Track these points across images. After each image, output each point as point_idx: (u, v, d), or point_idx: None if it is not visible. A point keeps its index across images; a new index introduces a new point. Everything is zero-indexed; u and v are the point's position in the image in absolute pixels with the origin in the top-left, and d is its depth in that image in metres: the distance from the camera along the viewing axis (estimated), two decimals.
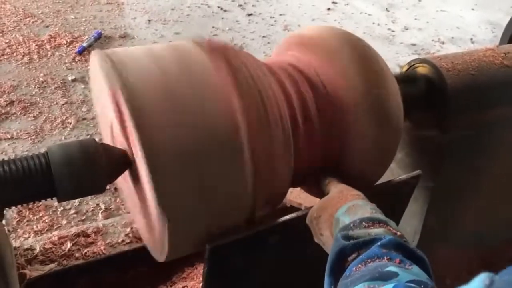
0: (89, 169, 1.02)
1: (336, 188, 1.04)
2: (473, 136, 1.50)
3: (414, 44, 4.01)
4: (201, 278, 1.65)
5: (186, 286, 1.66)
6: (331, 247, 0.90)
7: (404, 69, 1.53)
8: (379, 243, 0.75)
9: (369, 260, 0.73)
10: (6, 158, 1.03)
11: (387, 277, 0.67)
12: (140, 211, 1.15)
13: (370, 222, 0.84)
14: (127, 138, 1.05)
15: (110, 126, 1.15)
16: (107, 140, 1.21)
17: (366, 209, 0.90)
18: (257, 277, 1.13)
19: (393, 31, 4.20)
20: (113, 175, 1.08)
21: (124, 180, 1.18)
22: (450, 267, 1.77)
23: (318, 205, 1.00)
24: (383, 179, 1.29)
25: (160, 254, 1.05)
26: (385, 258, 0.72)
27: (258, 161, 1.00)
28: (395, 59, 3.77)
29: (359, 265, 0.73)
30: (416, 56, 1.88)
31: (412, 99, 1.39)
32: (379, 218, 0.86)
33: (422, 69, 1.47)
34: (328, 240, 0.94)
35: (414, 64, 1.50)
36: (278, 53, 1.32)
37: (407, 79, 1.48)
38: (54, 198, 1.04)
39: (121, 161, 1.07)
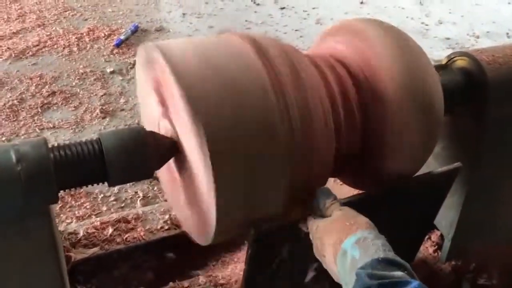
0: (139, 155, 1.07)
1: (340, 212, 1.00)
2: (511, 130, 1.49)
3: (448, 38, 3.96)
4: (238, 265, 1.70)
5: (223, 272, 1.70)
6: (336, 275, 0.91)
7: (444, 62, 1.53)
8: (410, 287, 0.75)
9: None
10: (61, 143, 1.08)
11: None
12: (182, 197, 1.19)
13: (387, 263, 0.82)
14: (174, 127, 1.09)
15: (157, 118, 1.19)
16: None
17: (377, 245, 0.87)
18: (299, 264, 1.16)
19: (426, 25, 4.15)
20: (161, 161, 1.13)
21: (166, 169, 1.22)
22: (485, 261, 1.77)
23: (323, 225, 0.98)
24: (421, 172, 1.31)
25: (205, 236, 1.09)
26: None
27: (296, 155, 1.03)
28: (429, 53, 3.70)
29: None
30: (450, 51, 1.87)
31: (451, 92, 1.39)
32: (396, 260, 0.84)
33: (461, 62, 1.46)
34: (330, 265, 0.94)
35: (453, 57, 1.50)
36: (319, 44, 1.34)
37: (447, 72, 1.48)
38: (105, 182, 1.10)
39: (168, 148, 1.12)
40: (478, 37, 4.00)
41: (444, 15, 4.32)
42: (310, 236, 1.01)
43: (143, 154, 1.07)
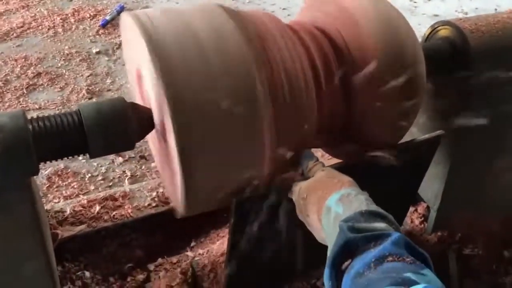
0: (119, 126, 1.06)
1: (324, 172, 1.01)
2: (496, 98, 1.49)
3: (436, 15, 3.94)
4: (225, 240, 1.71)
5: (211, 247, 1.70)
6: (320, 233, 0.92)
7: (427, 32, 1.52)
8: (391, 240, 0.75)
9: (382, 259, 0.72)
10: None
11: (409, 285, 0.66)
12: (165, 167, 1.19)
13: (369, 215, 0.83)
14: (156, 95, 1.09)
15: (139, 81, 1.18)
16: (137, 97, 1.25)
17: (360, 200, 0.89)
18: (283, 231, 1.16)
19: (415, 2, 4.13)
20: (142, 132, 1.12)
21: (154, 140, 1.22)
22: (470, 231, 1.78)
23: (306, 185, 0.99)
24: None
25: (180, 207, 1.09)
26: (399, 257, 0.72)
27: (279, 125, 1.03)
28: (417, 30, 3.67)
29: (372, 264, 0.72)
30: None
31: (435, 62, 1.39)
32: (378, 211, 0.85)
33: (445, 31, 1.46)
34: (314, 223, 0.94)
35: (437, 27, 1.49)
36: (302, 14, 1.33)
37: (430, 41, 1.48)
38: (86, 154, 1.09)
39: (149, 119, 1.11)
40: (466, 13, 4.00)
41: None
42: (293, 198, 1.01)
43: (123, 125, 1.06)
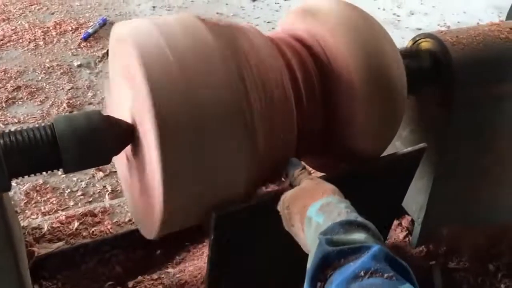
0: (94, 140, 1.03)
1: (308, 180, 1.00)
2: (478, 111, 1.49)
3: (419, 29, 3.98)
4: (205, 256, 1.67)
5: (194, 263, 1.67)
6: (304, 244, 0.89)
7: (409, 44, 1.52)
8: (370, 254, 0.72)
9: (362, 274, 0.70)
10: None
11: None
12: (135, 185, 1.16)
13: (349, 225, 0.80)
14: (136, 111, 1.06)
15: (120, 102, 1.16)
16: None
17: (340, 208, 0.86)
18: (262, 245, 1.14)
19: (398, 15, 4.17)
20: (118, 146, 1.09)
21: (123, 156, 1.18)
22: (455, 244, 1.77)
23: (290, 195, 0.97)
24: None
25: (152, 228, 1.05)
26: (379, 273, 0.69)
27: (259, 135, 1.01)
28: (401, 44, 3.70)
29: (351, 279, 0.70)
30: None
31: (416, 74, 1.39)
32: (358, 221, 0.82)
33: (426, 44, 1.46)
34: (298, 232, 0.92)
35: (418, 40, 1.49)
36: (283, 26, 1.32)
37: (412, 54, 1.47)
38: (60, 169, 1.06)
39: (126, 133, 1.08)
40: (449, 27, 4.04)
41: (415, 6, 4.36)
42: (278, 208, 0.99)
43: (98, 139, 1.03)
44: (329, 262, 0.74)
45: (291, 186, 1.03)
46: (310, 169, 1.48)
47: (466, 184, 1.66)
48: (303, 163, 1.09)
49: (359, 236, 0.78)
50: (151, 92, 0.91)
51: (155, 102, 0.91)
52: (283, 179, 1.08)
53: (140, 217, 1.18)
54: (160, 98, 0.91)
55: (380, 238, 0.80)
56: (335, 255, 0.74)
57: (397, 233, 1.82)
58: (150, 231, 1.08)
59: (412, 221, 1.78)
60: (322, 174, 1.32)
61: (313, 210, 0.88)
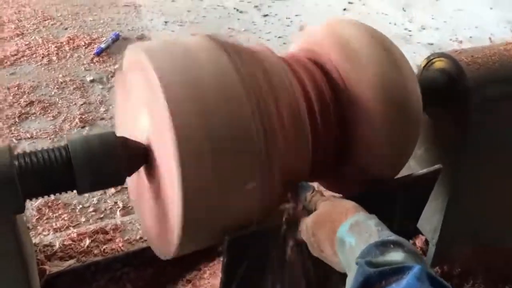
0: (108, 162, 1.03)
1: (325, 202, 0.98)
2: (494, 131, 1.47)
3: (431, 44, 3.97)
4: (217, 276, 1.66)
5: (205, 283, 1.65)
6: (340, 267, 0.88)
7: (423, 64, 1.51)
8: (412, 275, 0.71)
9: None
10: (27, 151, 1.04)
11: None
12: (149, 207, 1.15)
13: (384, 246, 0.79)
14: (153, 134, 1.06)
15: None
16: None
17: (370, 227, 0.86)
18: (276, 269, 1.13)
19: (410, 30, 4.16)
20: (132, 168, 1.09)
21: (135, 177, 1.18)
22: (470, 265, 1.74)
23: (311, 221, 0.96)
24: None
25: (169, 248, 1.05)
26: None
27: (272, 158, 1.00)
28: (412, 58, 3.71)
29: None
30: None
31: (431, 94, 1.37)
32: (392, 240, 0.81)
33: (440, 63, 1.45)
34: (331, 257, 0.91)
35: (432, 59, 1.48)
36: (297, 47, 1.32)
37: (426, 73, 1.46)
38: (74, 190, 1.06)
39: (139, 154, 1.08)
40: (461, 42, 4.02)
41: (427, 21, 4.35)
42: (304, 237, 0.98)
43: (112, 161, 1.03)
44: (371, 284, 0.74)
45: (305, 210, 1.02)
46: (322, 188, 1.47)
47: (481, 204, 1.64)
48: (312, 184, 1.08)
49: (397, 255, 0.77)
50: (171, 116, 0.91)
51: (176, 126, 0.91)
52: (291, 204, 1.06)
53: (154, 237, 1.18)
54: (180, 122, 0.91)
55: (418, 254, 0.79)
56: (376, 277, 0.73)
57: None
58: (166, 252, 1.08)
59: (427, 242, 1.76)
60: (335, 195, 1.31)
61: (343, 232, 0.87)
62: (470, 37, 4.10)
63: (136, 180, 1.18)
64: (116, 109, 1.34)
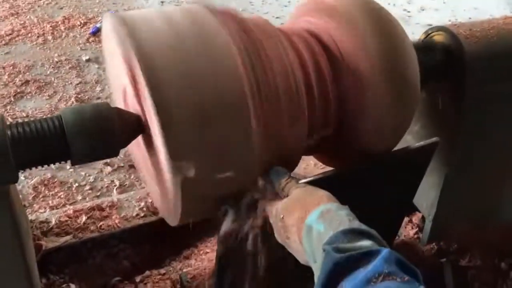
0: (102, 131, 1.01)
1: (299, 189, 0.95)
2: (491, 106, 1.46)
3: (430, 25, 3.89)
4: (213, 251, 1.66)
5: (202, 258, 1.66)
6: (302, 255, 0.87)
7: (421, 37, 1.50)
8: (381, 257, 0.71)
9: (375, 278, 0.68)
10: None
11: None
12: (153, 177, 1.15)
13: (353, 234, 0.79)
14: (140, 102, 1.05)
15: (123, 91, 1.15)
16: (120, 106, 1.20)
17: (341, 216, 0.84)
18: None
19: (408, 11, 4.13)
20: (127, 138, 1.08)
21: (138, 148, 1.18)
22: (467, 242, 1.75)
23: (282, 206, 0.94)
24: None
25: (173, 217, 1.05)
26: (392, 276, 0.68)
27: (266, 127, 0.99)
28: (412, 40, 3.71)
29: (365, 284, 0.68)
30: None
31: (429, 68, 1.36)
32: (361, 229, 0.81)
33: (439, 37, 1.43)
34: (295, 244, 0.89)
35: (431, 33, 1.47)
36: (294, 19, 1.30)
37: (424, 47, 1.44)
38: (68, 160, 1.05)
39: (134, 125, 1.07)
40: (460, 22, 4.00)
41: (426, 2, 4.31)
42: (271, 221, 0.95)
43: (106, 131, 1.02)
44: (340, 269, 0.72)
45: (277, 196, 0.98)
46: (320, 164, 1.47)
47: (478, 180, 1.64)
48: (309, 162, 1.06)
49: (365, 243, 0.76)
50: (149, 79, 0.90)
51: (153, 88, 0.89)
52: (263, 188, 1.02)
53: (160, 205, 1.18)
54: (160, 86, 0.90)
55: (385, 245, 0.78)
56: (344, 262, 0.72)
57: (407, 230, 1.79)
58: (171, 220, 1.08)
59: (423, 218, 1.76)
60: (331, 169, 1.30)
61: (313, 219, 0.85)
62: (470, 18, 4.07)
63: (137, 150, 1.17)
64: (109, 79, 1.32)
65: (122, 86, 1.14)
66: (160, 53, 0.92)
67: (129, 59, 1.00)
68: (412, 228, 1.80)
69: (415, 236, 1.78)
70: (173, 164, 0.90)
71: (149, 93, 0.89)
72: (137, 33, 0.95)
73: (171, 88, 0.90)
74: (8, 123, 1.00)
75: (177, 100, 0.90)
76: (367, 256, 0.72)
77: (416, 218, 1.81)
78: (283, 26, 1.26)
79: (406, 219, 1.79)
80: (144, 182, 1.42)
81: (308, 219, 0.86)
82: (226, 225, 1.03)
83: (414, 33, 3.76)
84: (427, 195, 1.63)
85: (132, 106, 1.10)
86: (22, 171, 1.04)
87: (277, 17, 3.82)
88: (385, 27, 1.15)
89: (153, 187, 1.19)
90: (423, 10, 4.18)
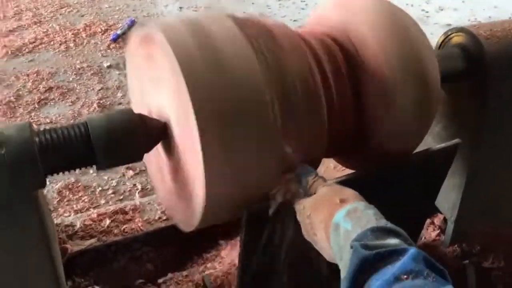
0: (126, 138, 1.04)
1: (326, 188, 0.96)
2: None
3: (449, 25, 3.90)
4: (236, 253, 1.67)
5: (224, 261, 1.67)
6: (329, 253, 0.88)
7: (441, 39, 1.49)
8: (409, 256, 0.71)
9: (402, 276, 0.69)
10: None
11: None
12: (169, 183, 1.16)
13: (380, 232, 0.79)
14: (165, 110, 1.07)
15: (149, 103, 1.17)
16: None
17: (368, 215, 0.84)
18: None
19: (427, 11, 4.10)
20: (150, 144, 1.10)
21: (154, 155, 1.19)
22: (490, 243, 1.73)
23: (310, 203, 0.95)
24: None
25: (192, 220, 1.06)
26: (419, 274, 0.68)
27: (288, 128, 1.00)
28: (430, 40, 3.68)
29: (392, 282, 0.68)
30: None
31: (449, 69, 1.36)
32: (389, 227, 0.81)
33: (458, 38, 1.43)
34: (322, 242, 0.90)
35: (450, 34, 1.46)
36: (313, 22, 1.31)
37: (444, 48, 1.44)
38: (93, 165, 1.08)
39: (157, 131, 1.09)
40: (479, 22, 3.96)
41: (444, 2, 4.28)
42: (298, 218, 0.97)
43: (131, 137, 1.04)
44: (367, 266, 0.73)
45: (305, 194, 0.99)
46: (340, 167, 1.47)
47: (500, 181, 1.62)
48: (329, 165, 1.07)
49: (393, 241, 0.77)
50: (191, 90, 0.91)
51: (195, 100, 0.91)
52: (292, 186, 1.03)
53: (175, 210, 1.19)
54: (200, 96, 0.92)
55: (412, 243, 0.79)
56: (372, 259, 0.73)
57: (429, 232, 1.78)
58: (188, 225, 1.09)
59: (445, 220, 1.75)
60: (352, 171, 1.30)
61: (340, 217, 0.86)
62: (489, 17, 4.03)
63: (154, 156, 1.19)
64: (129, 86, 1.34)
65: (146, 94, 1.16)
66: (193, 63, 0.94)
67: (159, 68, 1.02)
68: (434, 230, 1.79)
69: (437, 238, 1.77)
70: (208, 174, 0.92)
71: (188, 98, 0.92)
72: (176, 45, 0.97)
73: (207, 99, 0.93)
74: (35, 130, 1.03)
75: (212, 111, 0.92)
76: (395, 254, 0.73)
77: (438, 220, 1.80)
78: (302, 30, 1.27)
79: (428, 221, 1.78)
80: (155, 188, 1.44)
81: (335, 217, 0.86)
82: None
83: (433, 33, 3.73)
84: (448, 196, 1.62)
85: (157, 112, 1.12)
86: (49, 175, 1.07)
87: (294, 20, 3.84)
88: (404, 29, 1.15)
89: (167, 193, 1.21)
90: (441, 10, 4.14)
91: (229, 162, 0.94)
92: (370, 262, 0.73)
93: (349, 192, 0.92)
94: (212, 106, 0.92)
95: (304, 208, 0.95)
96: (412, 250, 0.72)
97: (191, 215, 1.06)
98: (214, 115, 0.92)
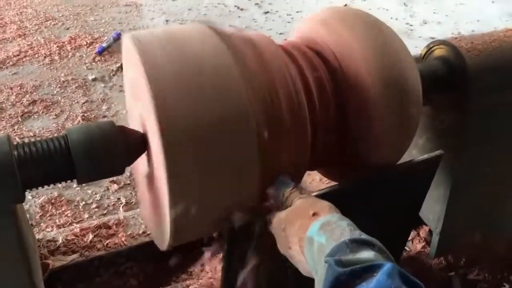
0: (106, 150, 1.02)
1: (301, 200, 0.95)
2: (495, 118, 1.47)
3: (433, 38, 3.93)
4: (219, 266, 1.66)
5: (207, 275, 1.65)
6: (304, 267, 0.87)
7: (423, 52, 1.51)
8: (383, 272, 0.70)
9: None
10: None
11: None
12: (147, 195, 1.15)
13: (355, 244, 0.78)
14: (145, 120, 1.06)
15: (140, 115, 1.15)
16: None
17: (342, 227, 0.83)
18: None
19: (411, 25, 4.15)
20: (132, 156, 1.09)
21: (139, 168, 1.18)
22: (475, 255, 1.73)
23: (284, 216, 0.93)
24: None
25: (164, 238, 1.04)
26: None
27: (269, 146, 0.99)
28: (414, 53, 3.68)
29: None
30: None
31: (431, 82, 1.37)
32: (363, 238, 0.80)
33: (440, 51, 1.44)
34: (297, 256, 0.89)
35: (432, 47, 1.48)
36: (296, 36, 1.31)
37: (426, 61, 1.45)
38: (74, 180, 1.06)
39: (138, 143, 1.08)
40: (462, 35, 4.01)
41: (428, 15, 4.33)
42: (273, 231, 0.95)
43: (111, 150, 1.03)
44: (341, 284, 0.72)
45: (282, 206, 0.98)
46: (325, 179, 1.46)
47: (484, 192, 1.63)
48: (314, 177, 1.06)
49: (367, 254, 0.76)
50: (154, 96, 0.90)
51: (158, 105, 0.89)
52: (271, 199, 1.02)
53: (153, 226, 1.18)
54: (164, 103, 0.90)
55: (388, 255, 0.78)
56: (346, 276, 0.71)
57: (414, 244, 1.78)
58: (163, 242, 1.07)
59: (430, 232, 1.75)
60: (335, 183, 1.30)
61: (314, 230, 0.85)
62: (472, 31, 4.08)
63: (141, 164, 1.18)
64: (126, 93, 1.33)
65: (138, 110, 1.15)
66: (169, 77, 0.93)
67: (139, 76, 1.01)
68: (420, 242, 1.79)
69: (423, 250, 1.77)
70: (172, 181, 0.90)
71: (154, 111, 0.90)
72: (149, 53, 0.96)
73: (177, 111, 0.91)
74: (15, 143, 1.02)
75: (180, 119, 0.90)
76: (370, 270, 0.71)
77: (423, 232, 1.80)
78: (285, 43, 1.27)
79: (413, 233, 1.78)
80: (139, 201, 1.41)
81: (309, 231, 0.85)
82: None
83: (417, 46, 3.77)
84: (433, 208, 1.62)
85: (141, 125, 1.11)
86: (29, 190, 1.05)
87: (280, 33, 3.85)
88: (384, 41, 1.16)
89: (146, 205, 1.19)
90: (425, 23, 4.19)
91: (201, 183, 0.92)
92: (344, 281, 0.71)
93: (323, 205, 0.91)
94: (183, 121, 0.90)
95: (279, 221, 0.94)
96: (387, 266, 0.71)
97: (162, 234, 1.04)
98: (186, 132, 0.90)
